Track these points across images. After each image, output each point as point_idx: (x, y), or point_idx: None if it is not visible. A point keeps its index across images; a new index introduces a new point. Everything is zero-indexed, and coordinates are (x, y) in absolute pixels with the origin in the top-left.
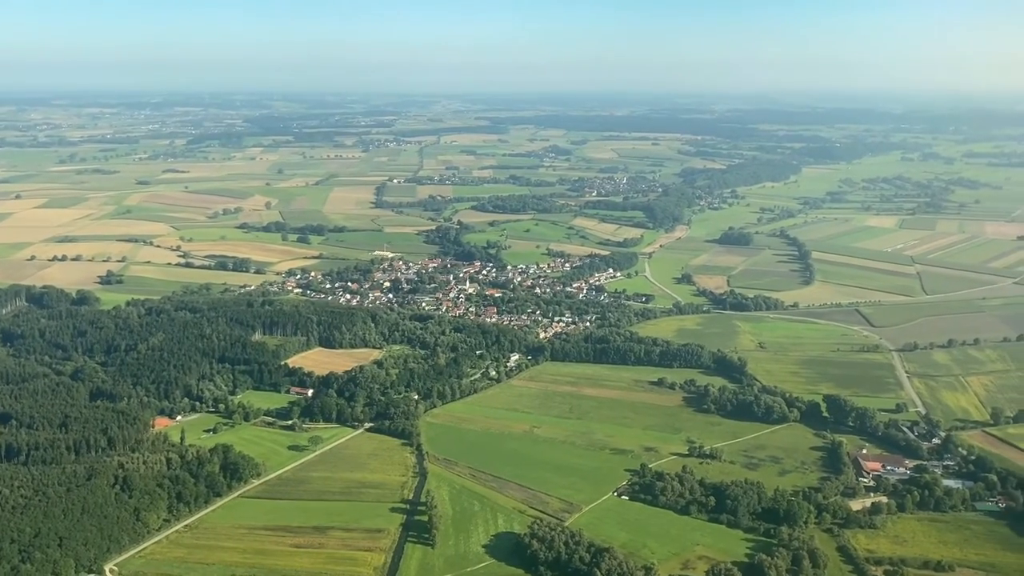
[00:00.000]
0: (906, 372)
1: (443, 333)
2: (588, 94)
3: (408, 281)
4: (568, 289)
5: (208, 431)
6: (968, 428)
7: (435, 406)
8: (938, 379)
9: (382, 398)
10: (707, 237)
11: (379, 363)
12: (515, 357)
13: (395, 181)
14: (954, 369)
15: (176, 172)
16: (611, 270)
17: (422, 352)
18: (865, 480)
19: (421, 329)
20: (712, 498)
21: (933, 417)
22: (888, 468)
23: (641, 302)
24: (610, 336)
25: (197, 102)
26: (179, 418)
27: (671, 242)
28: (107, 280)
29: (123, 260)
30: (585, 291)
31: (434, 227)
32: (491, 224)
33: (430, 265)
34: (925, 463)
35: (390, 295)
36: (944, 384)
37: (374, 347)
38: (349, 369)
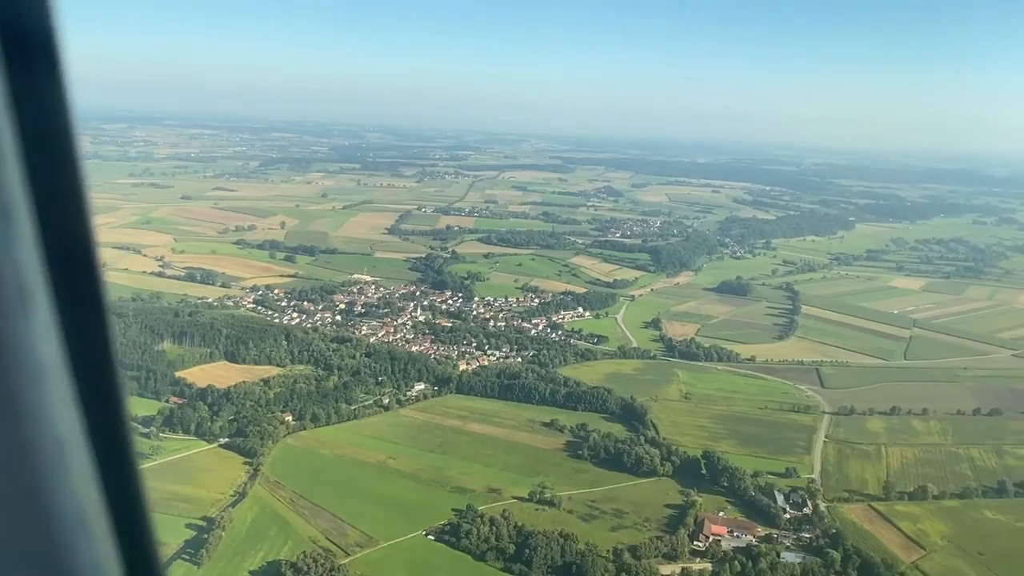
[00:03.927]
0: (825, 437)
1: (352, 356)
2: (685, 141)
3: (366, 305)
4: (525, 324)
5: None
6: (853, 500)
7: (305, 428)
8: (856, 447)
9: (247, 415)
10: (707, 285)
11: (266, 380)
12: (419, 387)
13: (423, 210)
14: (881, 438)
15: (224, 190)
16: (580, 309)
17: (322, 373)
18: (698, 544)
19: (334, 351)
20: (513, 546)
21: (815, 486)
22: (735, 534)
23: (591, 343)
24: (522, 373)
25: (297, 129)
26: None
27: (666, 287)
28: None
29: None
30: (541, 327)
31: (423, 255)
32: (486, 256)
33: (399, 291)
34: (777, 533)
35: (339, 317)
36: (859, 453)
37: (277, 365)
38: (234, 384)
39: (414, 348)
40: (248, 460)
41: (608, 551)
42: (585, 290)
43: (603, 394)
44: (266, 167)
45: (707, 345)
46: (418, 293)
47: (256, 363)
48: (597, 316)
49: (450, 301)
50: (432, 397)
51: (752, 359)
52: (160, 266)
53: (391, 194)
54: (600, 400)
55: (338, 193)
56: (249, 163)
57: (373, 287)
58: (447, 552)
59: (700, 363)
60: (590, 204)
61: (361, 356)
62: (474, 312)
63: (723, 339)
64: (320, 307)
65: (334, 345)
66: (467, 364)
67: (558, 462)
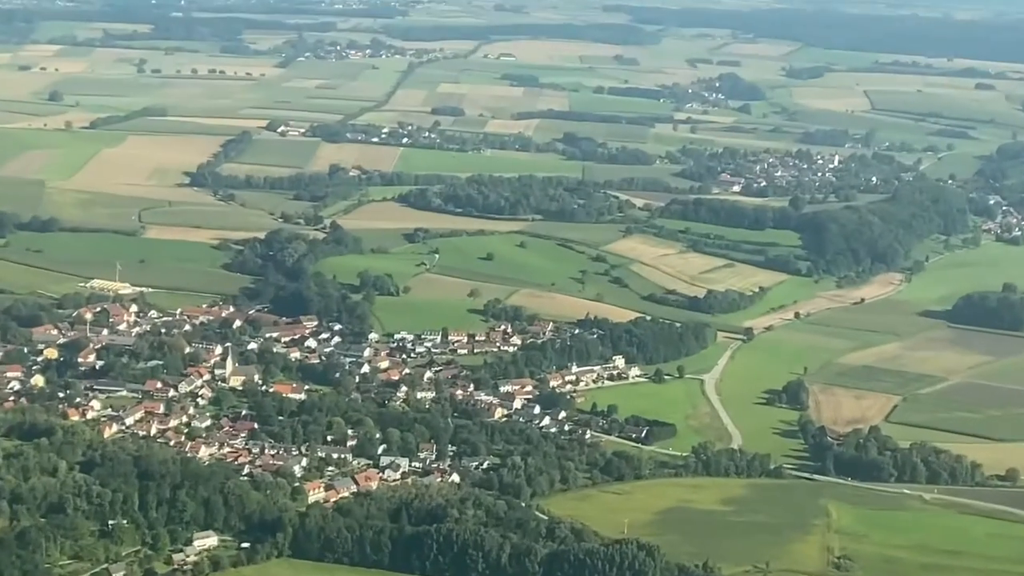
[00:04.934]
0: None
1: (52, 471)
2: None
3: (108, 350)
4: (482, 396)
5: None
6: None
7: None
8: None
9: None
10: (930, 304)
11: None
12: (206, 542)
13: (280, 130)
14: None
15: None
16: (619, 360)
17: None
18: None
19: (9, 458)
20: None
21: None
22: None
23: (634, 436)
24: (452, 509)
25: None
26: None
27: (833, 308)
28: None
29: None
30: (520, 404)
31: (263, 234)
32: (412, 235)
33: (195, 318)
34: None
35: (38, 378)
36: None
37: None
38: None
39: (205, 451)
40: None
41: None
42: (635, 315)
43: (638, 558)
44: None
45: (906, 445)
46: (238, 324)
47: None
48: (658, 376)
49: (311, 341)
50: (235, 566)
51: (1011, 476)
52: None
53: (215, 93)
54: (630, 573)
55: (90, 89)
56: None
57: (133, 308)
58: None
59: (885, 486)
60: (683, 114)
61: (73, 470)
62: (364, 366)
63: (949, 430)
64: None
65: (15, 444)
66: (326, 488)
67: None
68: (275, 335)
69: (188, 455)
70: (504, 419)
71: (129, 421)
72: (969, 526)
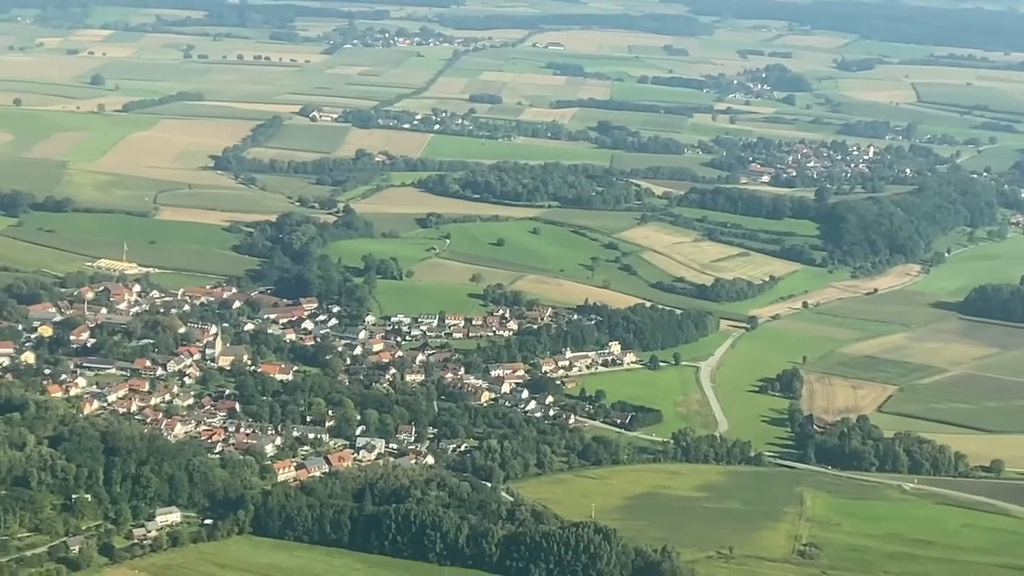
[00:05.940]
0: None
1: (20, 446)
2: None
3: (104, 329)
4: (472, 379)
5: None
6: None
7: None
8: None
9: None
10: (943, 295)
11: None
12: (168, 517)
13: (313, 115)
14: None
15: None
16: (615, 346)
17: None
18: None
19: None
20: None
21: None
22: None
23: (618, 423)
24: (415, 489)
25: None
26: None
27: (844, 298)
28: None
29: None
30: (508, 388)
31: (274, 216)
32: (424, 220)
33: (196, 298)
34: None
35: (28, 355)
36: None
37: None
38: None
39: (181, 429)
40: None
41: None
42: (635, 302)
43: (595, 541)
44: None
45: (890, 435)
46: (237, 305)
47: None
48: (653, 363)
49: (308, 323)
50: (195, 542)
51: (995, 467)
52: None
53: (256, 79)
54: (586, 556)
55: (130, 74)
56: None
57: (136, 288)
58: None
59: (865, 476)
60: (724, 104)
61: (41, 445)
62: (357, 347)
63: (940, 421)
64: None
65: None
66: (297, 468)
67: None
68: (272, 316)
69: (158, 432)
70: (490, 403)
71: (111, 398)
72: (944, 516)
